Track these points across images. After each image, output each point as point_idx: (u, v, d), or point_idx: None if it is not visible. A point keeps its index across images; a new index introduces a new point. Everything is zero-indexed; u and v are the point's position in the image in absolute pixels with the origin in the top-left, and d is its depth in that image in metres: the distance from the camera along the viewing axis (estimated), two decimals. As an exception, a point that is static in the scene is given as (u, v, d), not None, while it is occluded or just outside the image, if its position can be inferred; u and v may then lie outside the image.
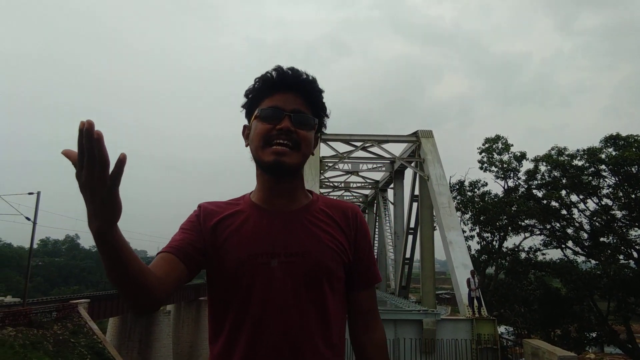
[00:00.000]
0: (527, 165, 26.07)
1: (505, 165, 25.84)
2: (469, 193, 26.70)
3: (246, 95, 1.35)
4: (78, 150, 0.86)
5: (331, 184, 26.12)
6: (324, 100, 1.36)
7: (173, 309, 38.69)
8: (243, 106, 1.37)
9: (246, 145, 1.35)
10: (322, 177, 21.36)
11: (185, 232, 1.27)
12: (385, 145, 19.89)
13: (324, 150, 19.50)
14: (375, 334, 1.36)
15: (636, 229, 23.15)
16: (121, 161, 0.88)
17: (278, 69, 1.30)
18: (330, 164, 20.68)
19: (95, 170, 0.86)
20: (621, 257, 23.24)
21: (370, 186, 27.57)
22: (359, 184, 27.85)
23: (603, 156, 23.02)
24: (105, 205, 0.90)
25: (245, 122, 1.38)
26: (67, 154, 0.88)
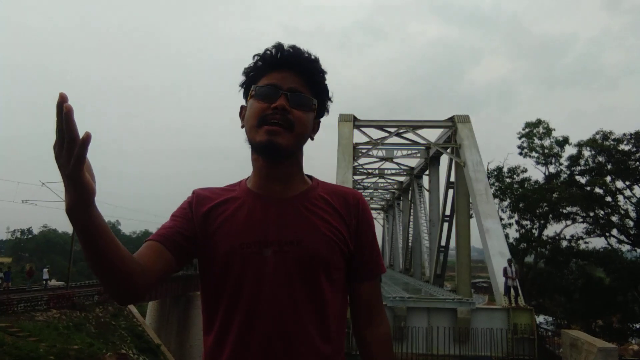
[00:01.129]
0: (569, 150, 25.21)
1: (546, 151, 25.02)
2: (508, 180, 26.02)
3: (244, 73, 1.28)
4: (56, 126, 0.85)
5: (365, 171, 25.92)
6: (327, 82, 1.28)
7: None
8: (241, 85, 1.29)
9: (242, 127, 1.27)
10: (356, 163, 21.20)
11: (175, 220, 1.22)
12: (420, 131, 19.59)
13: (357, 136, 19.38)
14: (379, 328, 1.29)
15: (687, 217, 22.07)
16: (85, 140, 0.85)
17: (278, 46, 1.24)
18: (364, 151, 20.53)
19: (63, 147, 0.85)
20: (670, 246, 22.24)
21: (405, 173, 27.21)
22: (393, 171, 27.55)
23: (652, 140, 21.94)
24: (71, 184, 0.88)
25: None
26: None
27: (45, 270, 25.91)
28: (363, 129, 19.40)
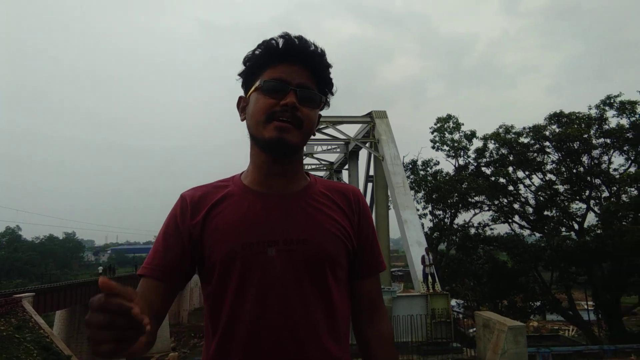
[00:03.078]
0: (476, 143, 26.88)
1: (456, 144, 26.48)
2: (422, 172, 27.25)
3: (245, 62, 1.19)
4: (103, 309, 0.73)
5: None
6: (331, 75, 1.22)
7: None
8: (240, 74, 1.21)
9: (242, 119, 1.21)
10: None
11: (168, 242, 1.15)
12: (339, 127, 19.88)
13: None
14: (381, 325, 1.26)
15: (577, 202, 24.43)
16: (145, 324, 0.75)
17: (285, 36, 1.15)
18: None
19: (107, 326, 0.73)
20: (563, 229, 24.50)
21: (324, 168, 27.56)
22: (313, 166, 27.78)
23: (547, 133, 23.99)
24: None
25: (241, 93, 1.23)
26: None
27: None
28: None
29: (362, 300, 1.26)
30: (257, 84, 1.15)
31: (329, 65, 1.20)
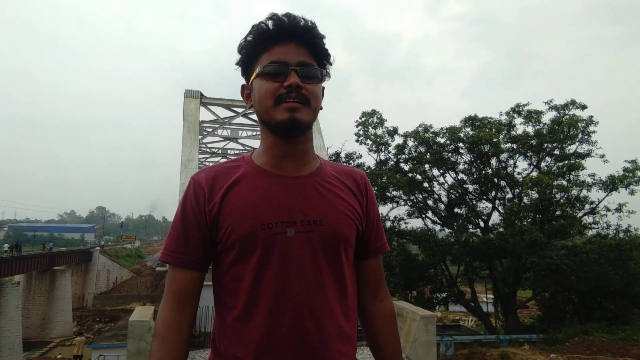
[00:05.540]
0: (397, 140, 27.79)
1: (378, 139, 27.19)
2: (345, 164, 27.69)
3: (240, 50, 1.19)
4: None
5: (209, 150, 25.20)
6: (326, 45, 1.21)
7: (23, 279, 34.87)
8: (238, 63, 1.21)
9: (249, 107, 1.24)
10: (201, 143, 20.42)
11: (189, 228, 1.15)
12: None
13: (204, 114, 18.65)
14: (384, 303, 1.33)
15: (484, 201, 26.17)
16: None
17: (273, 17, 1.14)
18: (209, 129, 19.86)
19: None
20: (470, 226, 26.13)
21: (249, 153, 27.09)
22: (237, 151, 27.23)
23: (462, 135, 25.36)
24: None
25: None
26: None
27: None
28: (210, 107, 18.72)
29: (367, 279, 1.31)
30: (257, 70, 1.15)
31: (322, 37, 1.19)
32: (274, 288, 1.10)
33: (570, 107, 24.23)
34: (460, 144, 25.61)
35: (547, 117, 24.69)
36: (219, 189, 1.16)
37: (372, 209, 1.30)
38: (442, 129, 26.44)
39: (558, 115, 24.36)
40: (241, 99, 1.28)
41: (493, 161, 25.38)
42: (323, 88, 1.24)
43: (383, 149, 27.68)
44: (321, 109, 1.23)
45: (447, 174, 26.66)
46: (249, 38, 1.17)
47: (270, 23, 1.14)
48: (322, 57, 1.20)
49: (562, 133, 23.47)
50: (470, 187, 26.38)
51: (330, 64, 1.22)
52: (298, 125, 1.12)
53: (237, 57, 1.23)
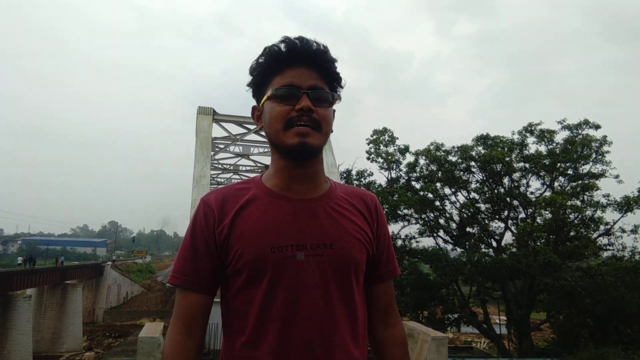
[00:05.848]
0: (409, 158, 27.74)
1: (390, 157, 27.17)
2: (356, 182, 27.68)
3: (251, 72, 1.19)
4: None
5: (220, 166, 25.39)
6: (338, 69, 1.21)
7: (35, 292, 35.05)
8: (249, 85, 1.22)
9: (260, 129, 1.26)
10: (213, 159, 20.61)
11: (197, 250, 1.15)
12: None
13: (216, 130, 18.85)
14: (395, 329, 1.29)
15: (496, 221, 25.88)
16: None
17: (286, 41, 1.14)
18: (221, 146, 20.04)
19: None
20: (482, 246, 25.82)
21: (260, 170, 27.25)
22: (248, 168, 27.39)
23: (474, 153, 25.25)
24: None
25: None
26: None
27: None
28: (222, 123, 18.94)
29: (378, 304, 1.29)
30: (268, 92, 1.15)
31: (334, 60, 1.19)
32: (283, 312, 1.09)
33: (584, 127, 24.06)
34: (472, 163, 25.48)
35: (560, 136, 24.56)
36: (228, 211, 1.15)
37: (383, 232, 1.29)
38: (453, 147, 26.37)
39: (571, 134, 24.21)
40: (248, 110, 1.30)
41: (505, 180, 25.18)
42: (334, 111, 1.24)
43: (394, 167, 27.64)
44: (332, 132, 1.23)
45: (458, 193, 26.49)
46: (260, 60, 1.17)
47: (282, 46, 1.14)
48: (333, 81, 1.20)
49: (575, 153, 23.27)
50: (483, 207, 26.14)
51: (342, 87, 1.23)
52: (308, 150, 1.13)
53: (248, 77, 1.24)
